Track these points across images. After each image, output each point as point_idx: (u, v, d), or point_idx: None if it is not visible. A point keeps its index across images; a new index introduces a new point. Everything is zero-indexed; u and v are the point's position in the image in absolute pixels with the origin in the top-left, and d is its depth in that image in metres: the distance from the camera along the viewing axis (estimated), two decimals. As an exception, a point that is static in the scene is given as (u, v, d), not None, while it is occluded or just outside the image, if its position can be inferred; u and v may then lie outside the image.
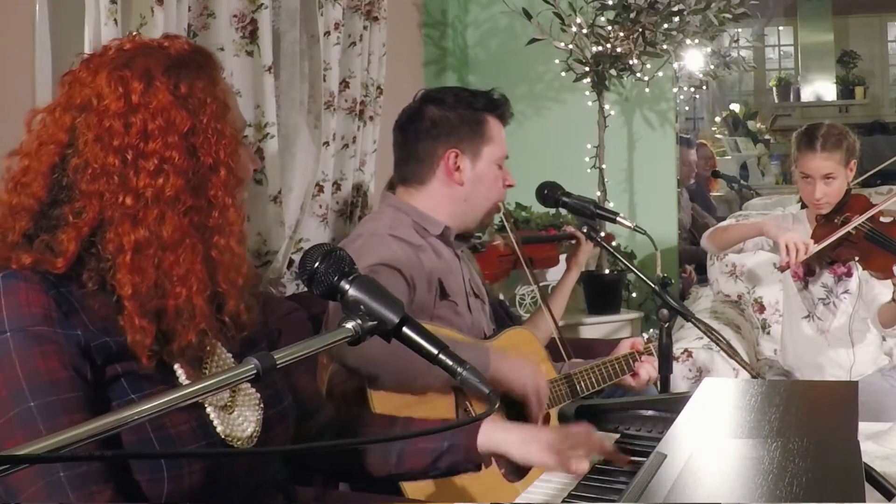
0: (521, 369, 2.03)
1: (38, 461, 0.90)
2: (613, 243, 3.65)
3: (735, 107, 9.29)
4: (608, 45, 3.70)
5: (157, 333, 1.27)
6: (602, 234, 2.99)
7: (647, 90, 4.07)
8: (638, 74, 3.83)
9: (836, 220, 2.97)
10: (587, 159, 3.88)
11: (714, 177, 6.54)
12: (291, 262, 2.89)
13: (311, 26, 2.94)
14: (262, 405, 1.38)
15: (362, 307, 1.18)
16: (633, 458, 1.58)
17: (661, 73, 3.95)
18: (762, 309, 3.67)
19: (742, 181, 7.08)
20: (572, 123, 4.10)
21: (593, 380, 2.30)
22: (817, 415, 1.35)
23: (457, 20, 4.33)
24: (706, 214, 5.77)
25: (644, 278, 2.29)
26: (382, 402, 1.86)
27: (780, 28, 10.10)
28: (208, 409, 1.30)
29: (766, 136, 9.02)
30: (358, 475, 1.64)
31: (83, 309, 1.24)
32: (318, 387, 1.80)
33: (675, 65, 4.23)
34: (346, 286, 1.20)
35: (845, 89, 9.77)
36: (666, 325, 2.24)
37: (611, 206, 3.72)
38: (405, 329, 1.19)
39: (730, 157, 8.01)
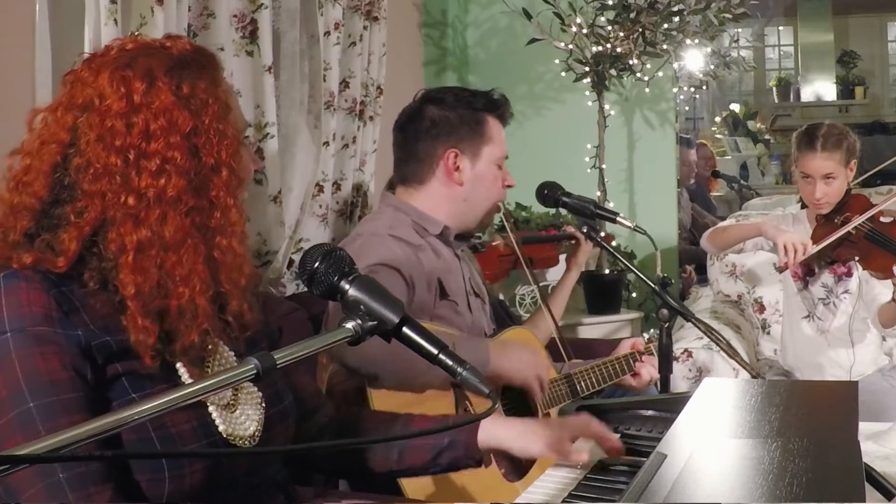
0: (521, 362, 2.04)
1: (39, 461, 0.90)
2: (613, 243, 3.65)
3: (735, 107, 9.29)
4: (608, 45, 3.70)
5: (159, 333, 1.27)
6: (602, 234, 2.99)
7: (647, 90, 4.07)
8: (638, 74, 3.83)
9: (836, 220, 2.97)
10: (587, 159, 3.88)
11: (714, 177, 6.53)
12: (291, 262, 2.89)
13: (311, 26, 2.94)
14: (263, 404, 1.38)
15: (362, 307, 1.18)
16: (633, 458, 1.59)
17: (661, 73, 3.95)
18: (762, 309, 3.67)
19: (742, 181, 7.08)
20: (572, 123, 4.10)
21: (593, 380, 2.30)
22: (817, 415, 1.35)
23: (457, 20, 4.33)
24: (706, 214, 5.77)
25: (644, 278, 2.29)
26: (382, 401, 1.86)
27: (780, 28, 10.10)
28: (210, 409, 1.31)
29: (766, 136, 9.01)
30: (359, 473, 1.65)
31: (84, 308, 1.24)
32: (317, 386, 1.80)
33: (675, 65, 4.23)
34: (346, 286, 1.20)
35: (845, 89, 9.76)
36: (666, 325, 2.24)
37: (611, 206, 3.73)
38: (405, 329, 1.19)
39: (730, 157, 8.00)
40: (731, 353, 2.36)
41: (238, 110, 1.41)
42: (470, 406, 2.00)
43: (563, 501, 1.51)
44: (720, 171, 6.72)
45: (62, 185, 1.28)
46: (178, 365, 1.30)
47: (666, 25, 3.69)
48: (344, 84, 3.12)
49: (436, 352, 1.19)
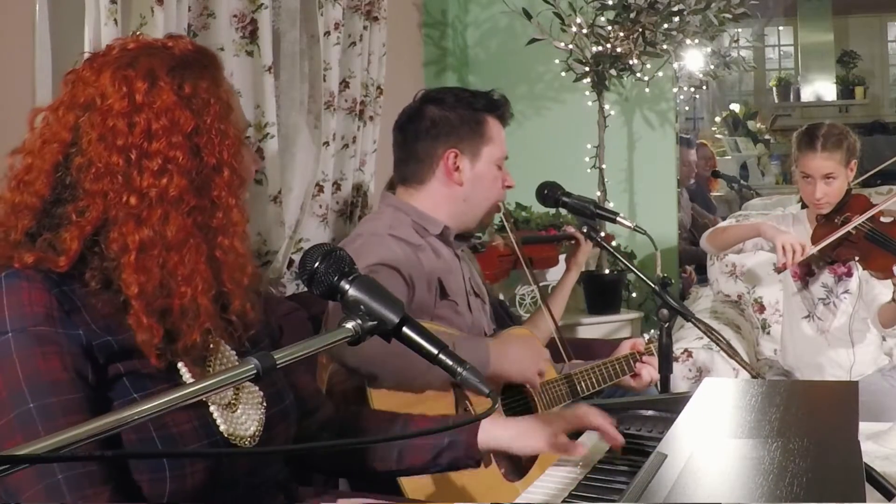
0: (522, 361, 2.05)
1: (39, 461, 0.90)
2: (613, 243, 3.65)
3: (735, 107, 9.28)
4: (608, 45, 3.70)
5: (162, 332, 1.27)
6: (602, 234, 2.99)
7: (647, 90, 4.07)
8: (638, 74, 3.83)
9: (836, 220, 2.97)
10: (587, 159, 3.88)
11: (714, 177, 6.53)
12: (291, 262, 2.89)
13: (311, 26, 2.94)
14: (264, 403, 1.38)
15: (362, 307, 1.18)
16: (633, 458, 1.59)
17: (661, 73, 3.95)
18: (762, 309, 3.67)
19: (742, 181, 7.07)
20: (572, 123, 4.10)
21: (593, 380, 2.30)
22: (817, 415, 1.35)
23: (457, 20, 4.33)
24: (706, 214, 5.77)
25: (644, 278, 2.28)
26: (382, 401, 1.86)
27: (780, 28, 10.09)
28: (212, 408, 1.31)
29: (766, 136, 9.00)
30: (359, 472, 1.65)
31: (85, 308, 1.24)
32: (317, 386, 1.81)
33: (675, 65, 4.23)
34: (346, 286, 1.20)
35: (845, 89, 9.76)
36: (666, 325, 2.23)
37: (611, 206, 3.73)
38: (405, 329, 1.19)
39: (730, 157, 8.00)
40: (731, 353, 2.36)
41: (239, 110, 1.41)
42: (470, 406, 2.00)
43: (563, 501, 1.51)
44: (720, 171, 6.71)
45: (64, 184, 1.28)
46: (180, 364, 1.30)
47: (666, 25, 3.69)
48: (344, 84, 3.12)
49: (436, 352, 1.19)
